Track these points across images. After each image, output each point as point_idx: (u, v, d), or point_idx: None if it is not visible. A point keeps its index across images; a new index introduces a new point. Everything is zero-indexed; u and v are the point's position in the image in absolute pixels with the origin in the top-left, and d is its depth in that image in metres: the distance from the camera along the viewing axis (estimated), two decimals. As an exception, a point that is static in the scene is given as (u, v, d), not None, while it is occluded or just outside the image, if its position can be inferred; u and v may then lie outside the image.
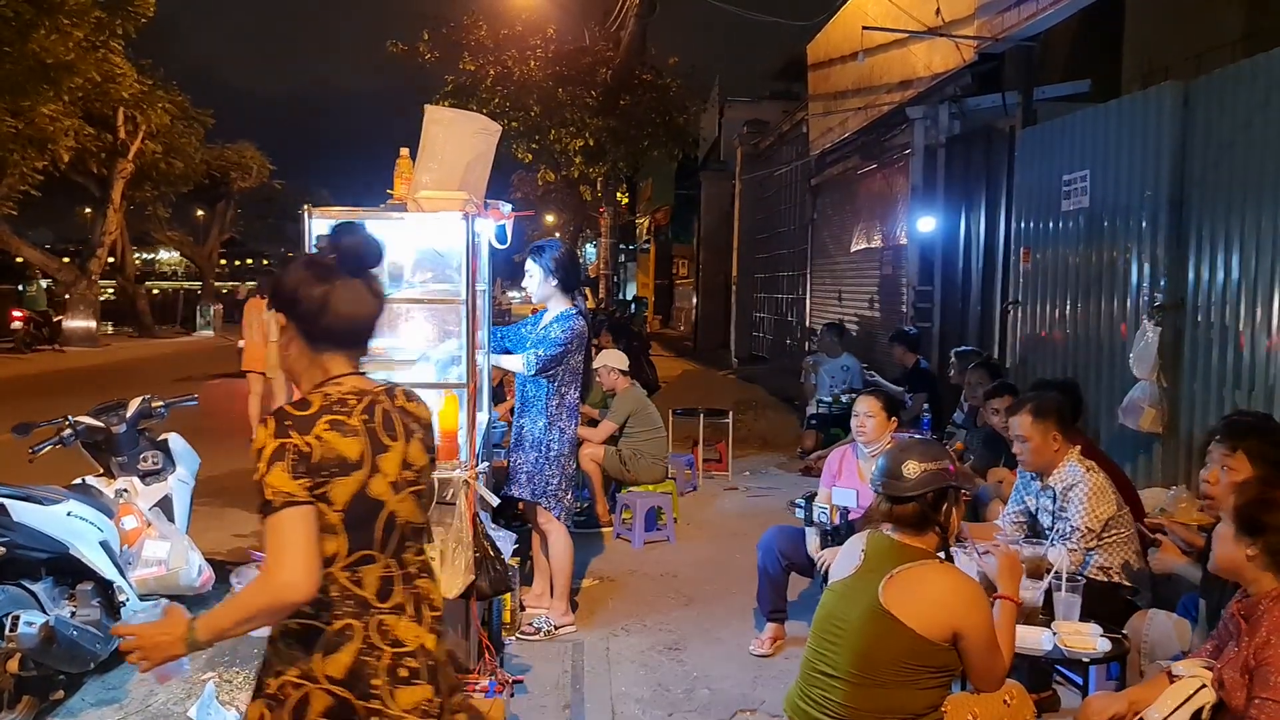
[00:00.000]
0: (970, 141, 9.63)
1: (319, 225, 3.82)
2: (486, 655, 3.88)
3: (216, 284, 39.87)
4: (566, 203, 27.85)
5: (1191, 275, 5.85)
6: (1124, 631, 3.42)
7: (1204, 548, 3.38)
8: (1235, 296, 5.49)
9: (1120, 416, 6.06)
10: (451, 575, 3.67)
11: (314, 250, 2.30)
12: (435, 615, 2.30)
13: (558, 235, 32.01)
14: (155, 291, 40.56)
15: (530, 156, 21.15)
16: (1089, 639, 3.22)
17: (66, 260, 28.81)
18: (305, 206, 3.76)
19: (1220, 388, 5.59)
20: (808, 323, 15.30)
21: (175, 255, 55.84)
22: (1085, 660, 3.13)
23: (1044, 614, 3.47)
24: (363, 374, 2.30)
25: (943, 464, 2.92)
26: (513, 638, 4.90)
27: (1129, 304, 6.37)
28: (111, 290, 33.68)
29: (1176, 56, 7.98)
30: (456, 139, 4.01)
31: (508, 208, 4.53)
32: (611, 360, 7.20)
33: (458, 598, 3.71)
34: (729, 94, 24.71)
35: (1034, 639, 3.22)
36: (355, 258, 2.21)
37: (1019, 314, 7.91)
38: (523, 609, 5.16)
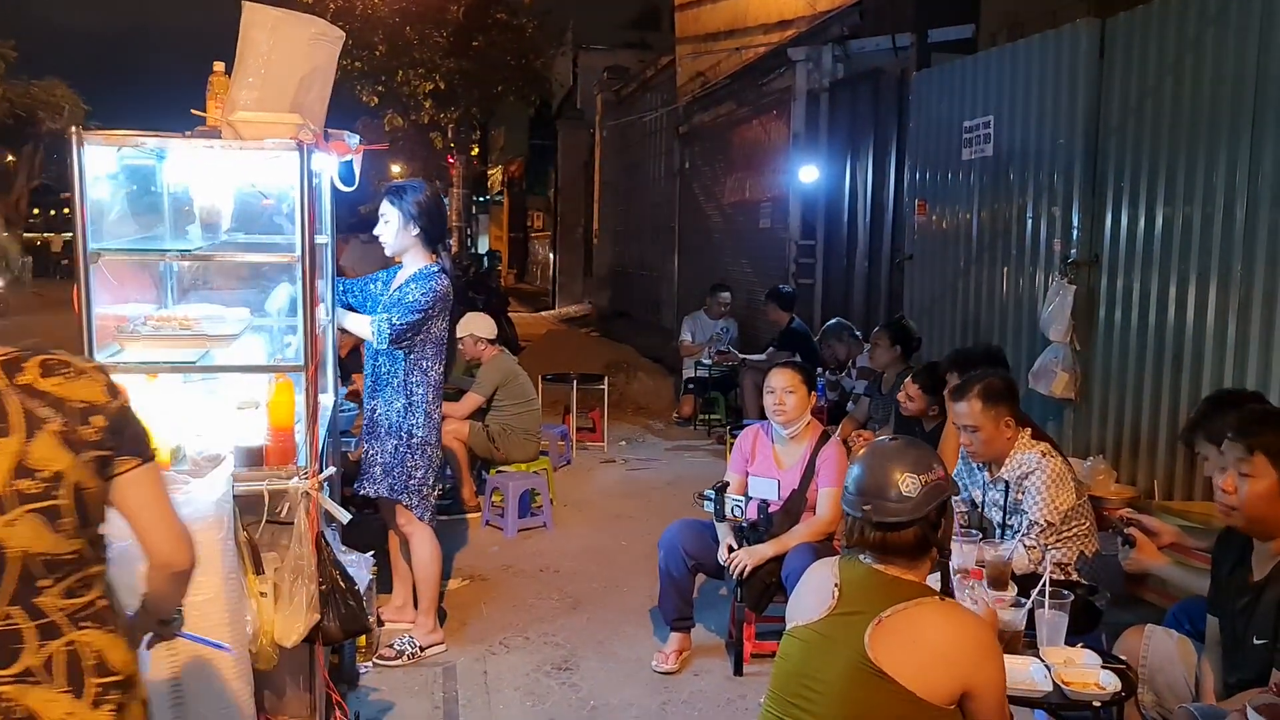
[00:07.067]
0: (856, 85, 9.06)
1: (95, 154, 2.84)
2: (338, 714, 3.05)
3: (27, 235, 36.91)
4: (415, 151, 26.27)
5: (1109, 229, 5.53)
6: (1120, 656, 2.86)
7: (1216, 555, 2.85)
8: (1159, 252, 5.16)
9: (1030, 382, 5.72)
10: (289, 615, 2.82)
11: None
12: (106, 682, 1.73)
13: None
14: (-45, 244, 37.12)
15: (376, 100, 19.66)
16: (1089, 672, 2.64)
17: None
18: (73, 129, 2.77)
19: (1140, 351, 5.28)
20: (675, 279, 14.65)
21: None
22: (1096, 705, 2.55)
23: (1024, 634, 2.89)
24: None
25: (938, 471, 2.26)
26: (369, 664, 4.06)
27: (1039, 260, 6.01)
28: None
29: (1033, 12, 7.68)
30: (286, 46, 3.07)
31: (355, 140, 3.61)
32: (476, 327, 6.31)
33: (300, 643, 2.87)
34: (582, 42, 23.69)
35: (1024, 674, 2.62)
36: None
37: (912, 271, 7.46)
38: (380, 624, 4.31)
